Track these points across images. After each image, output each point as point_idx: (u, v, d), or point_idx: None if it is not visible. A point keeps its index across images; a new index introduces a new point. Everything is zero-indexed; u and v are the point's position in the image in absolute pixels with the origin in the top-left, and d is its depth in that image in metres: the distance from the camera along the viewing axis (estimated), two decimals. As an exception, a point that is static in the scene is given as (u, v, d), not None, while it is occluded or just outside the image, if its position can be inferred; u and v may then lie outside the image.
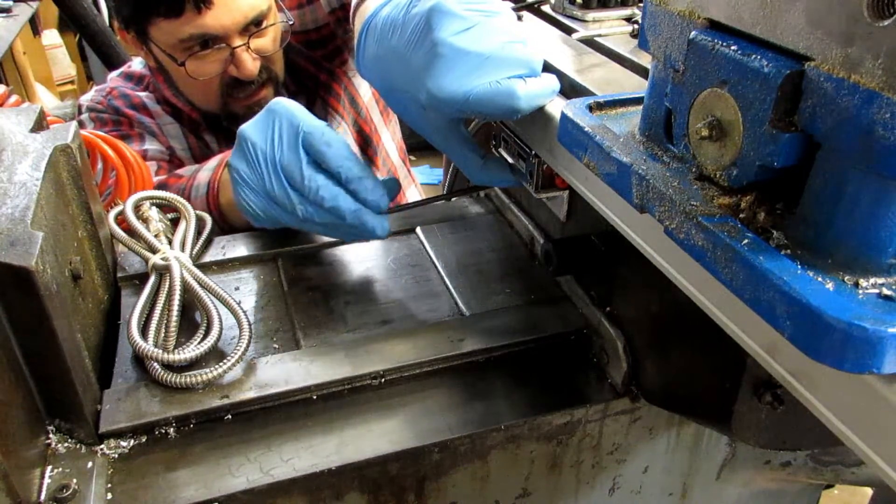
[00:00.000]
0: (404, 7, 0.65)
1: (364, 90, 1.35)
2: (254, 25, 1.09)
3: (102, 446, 0.59)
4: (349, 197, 0.74)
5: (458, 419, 0.63)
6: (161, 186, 1.01)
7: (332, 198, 0.73)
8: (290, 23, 1.17)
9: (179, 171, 1.04)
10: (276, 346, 0.70)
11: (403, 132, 1.50)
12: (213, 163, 0.99)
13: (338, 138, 0.75)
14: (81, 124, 1.18)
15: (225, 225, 0.97)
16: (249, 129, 0.76)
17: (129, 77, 1.25)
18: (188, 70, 1.09)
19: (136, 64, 1.27)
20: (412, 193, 1.48)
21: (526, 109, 0.61)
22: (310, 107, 1.10)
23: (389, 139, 1.42)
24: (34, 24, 3.13)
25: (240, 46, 1.08)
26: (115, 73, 1.28)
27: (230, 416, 0.62)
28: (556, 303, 0.75)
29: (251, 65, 1.10)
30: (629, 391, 0.67)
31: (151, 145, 1.17)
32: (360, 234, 0.76)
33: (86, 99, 1.22)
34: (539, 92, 0.61)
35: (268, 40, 1.13)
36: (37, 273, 0.50)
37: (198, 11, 1.03)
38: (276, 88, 1.18)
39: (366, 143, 1.37)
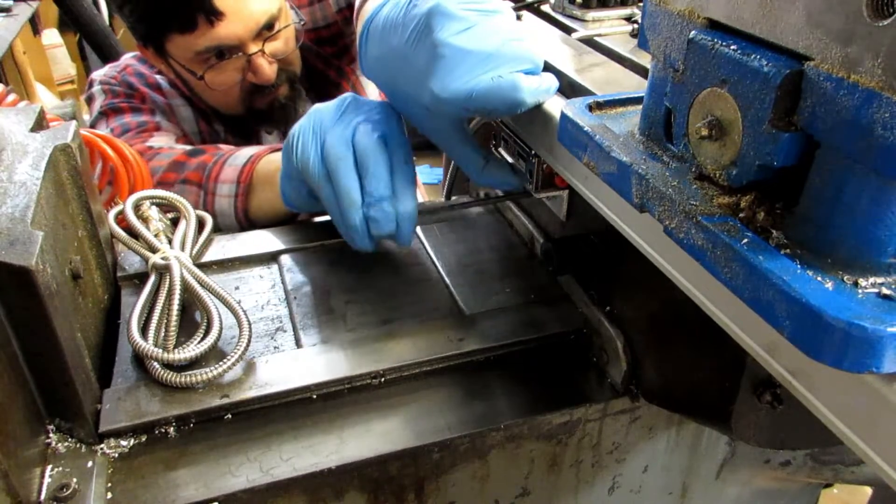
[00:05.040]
0: (403, 7, 0.65)
1: (371, 88, 1.36)
2: (266, 30, 1.10)
3: (102, 446, 0.59)
4: (359, 195, 0.71)
5: (457, 419, 0.63)
6: (195, 152, 1.03)
7: (345, 176, 0.70)
8: (303, 22, 1.17)
9: (219, 146, 1.06)
10: (276, 346, 0.70)
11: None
12: (260, 148, 1.01)
13: (382, 154, 0.71)
14: (91, 98, 1.19)
15: (247, 207, 0.98)
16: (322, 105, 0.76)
17: (143, 59, 1.26)
18: (207, 82, 1.11)
19: None
20: None
21: (530, 103, 0.61)
22: None
23: None
24: (34, 24, 3.13)
25: (255, 53, 1.09)
26: (129, 55, 1.29)
27: (230, 416, 0.62)
28: (556, 302, 0.75)
29: (268, 69, 1.12)
30: (629, 390, 0.67)
31: (163, 121, 1.17)
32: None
33: (99, 74, 1.22)
34: (542, 86, 0.61)
35: (282, 43, 1.14)
36: (37, 273, 0.50)
37: (211, 24, 1.04)
38: (293, 86, 1.19)
39: None
